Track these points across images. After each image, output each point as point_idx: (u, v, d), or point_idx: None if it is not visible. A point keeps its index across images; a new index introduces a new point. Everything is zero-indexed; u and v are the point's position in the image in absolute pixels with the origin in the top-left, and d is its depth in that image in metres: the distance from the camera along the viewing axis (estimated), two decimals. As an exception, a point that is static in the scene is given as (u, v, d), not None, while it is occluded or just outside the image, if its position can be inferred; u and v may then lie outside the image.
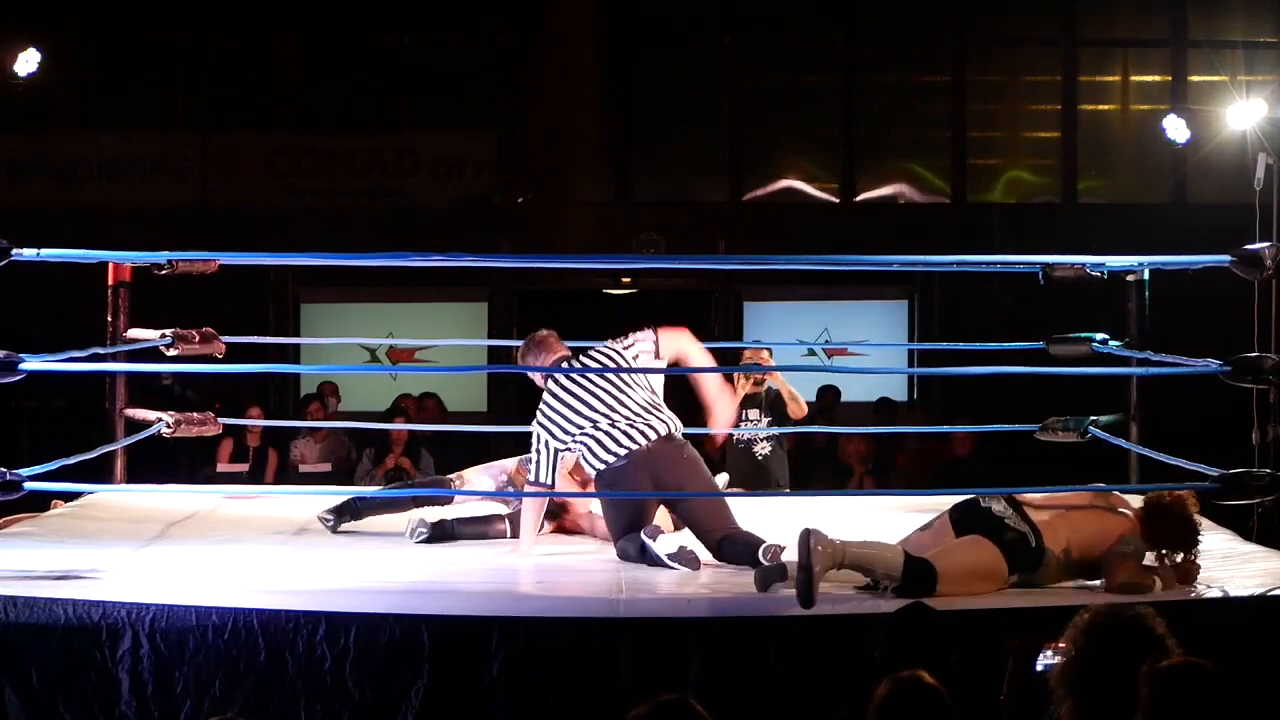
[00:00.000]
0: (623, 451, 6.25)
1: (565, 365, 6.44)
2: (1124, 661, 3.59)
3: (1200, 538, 5.67)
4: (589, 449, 6.30)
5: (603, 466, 6.29)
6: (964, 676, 4.28)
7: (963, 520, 5.62)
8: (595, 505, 6.87)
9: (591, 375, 6.36)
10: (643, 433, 6.28)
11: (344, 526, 6.81)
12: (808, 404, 9.72)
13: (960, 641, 4.66)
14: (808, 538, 5.25)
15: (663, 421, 6.33)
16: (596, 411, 6.31)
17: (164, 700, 5.15)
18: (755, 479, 9.27)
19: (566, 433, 6.32)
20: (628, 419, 6.30)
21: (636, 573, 5.97)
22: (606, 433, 6.28)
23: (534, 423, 6.40)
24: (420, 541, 6.57)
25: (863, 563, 5.37)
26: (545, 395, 6.42)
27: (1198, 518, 5.70)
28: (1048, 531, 5.54)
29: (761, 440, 9.41)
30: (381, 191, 15.06)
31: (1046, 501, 5.73)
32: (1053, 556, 5.52)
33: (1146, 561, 5.59)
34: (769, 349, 9.67)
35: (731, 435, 9.21)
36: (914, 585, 5.29)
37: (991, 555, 5.47)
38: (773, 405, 9.45)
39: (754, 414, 9.46)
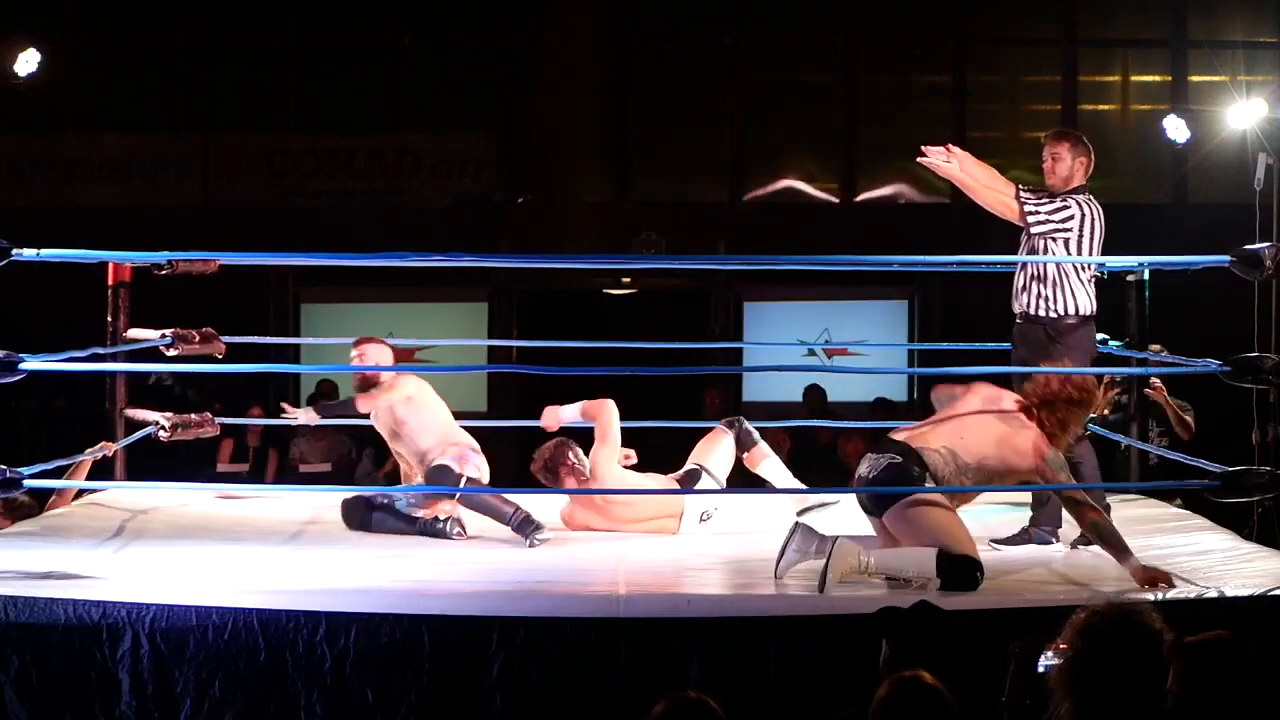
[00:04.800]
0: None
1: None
2: (1123, 659, 3.59)
3: (1090, 409, 5.98)
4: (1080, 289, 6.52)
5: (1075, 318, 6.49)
6: (968, 675, 4.28)
7: (873, 506, 5.83)
8: (596, 502, 6.93)
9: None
10: None
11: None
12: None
13: (961, 641, 4.66)
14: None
15: None
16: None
17: (164, 700, 5.16)
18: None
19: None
20: None
21: (637, 573, 5.97)
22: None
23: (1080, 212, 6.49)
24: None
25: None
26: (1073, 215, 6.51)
27: (1085, 394, 5.90)
28: (915, 440, 5.75)
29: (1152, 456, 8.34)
30: (381, 191, 15.05)
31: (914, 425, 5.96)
32: (934, 455, 5.71)
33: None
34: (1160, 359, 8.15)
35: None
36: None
37: (935, 502, 5.66)
38: (1163, 419, 8.67)
39: (1150, 424, 8.44)
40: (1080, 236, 6.48)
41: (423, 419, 7.16)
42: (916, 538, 5.61)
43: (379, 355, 7.33)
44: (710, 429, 7.54)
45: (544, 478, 7.14)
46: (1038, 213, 6.53)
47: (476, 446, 7.13)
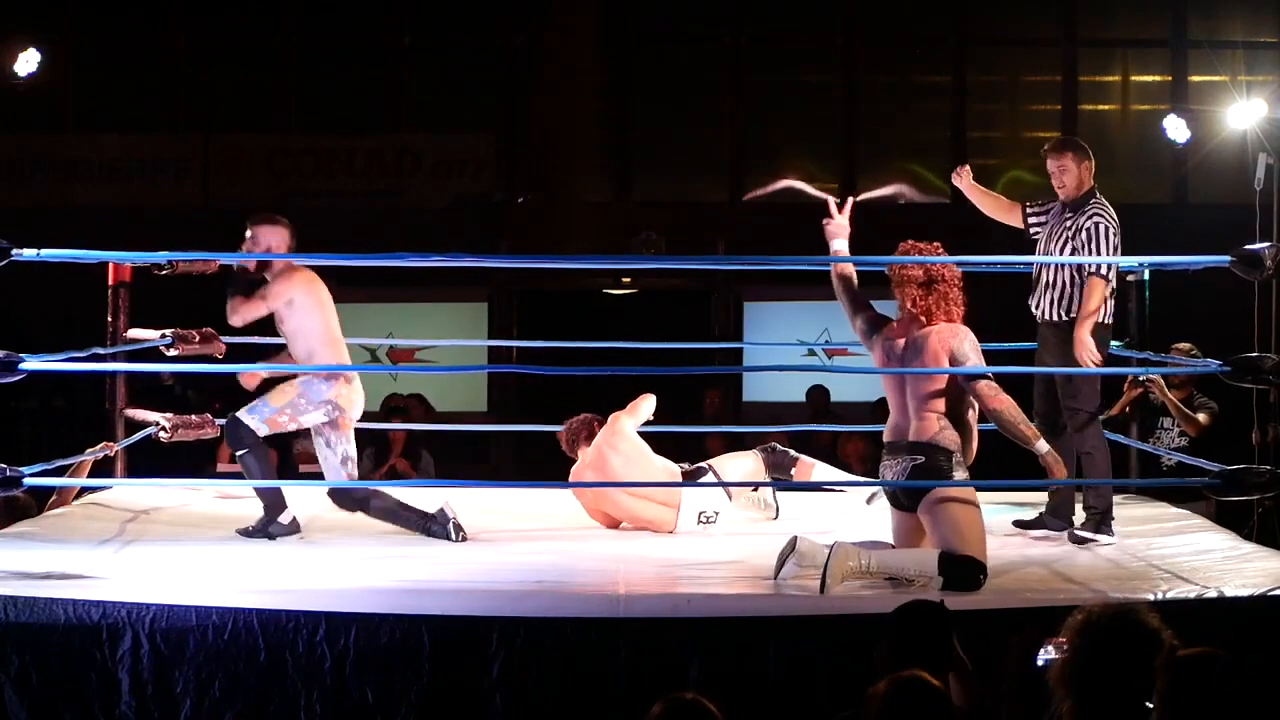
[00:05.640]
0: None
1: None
2: (1121, 658, 3.59)
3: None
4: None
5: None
6: (971, 673, 4.29)
7: (908, 502, 5.81)
8: (605, 495, 6.96)
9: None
10: None
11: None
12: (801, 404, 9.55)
13: (961, 640, 4.66)
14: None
15: None
16: None
17: (164, 700, 5.16)
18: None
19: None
20: None
21: (637, 573, 5.96)
22: None
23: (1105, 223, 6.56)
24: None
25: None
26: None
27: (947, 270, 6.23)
28: (921, 434, 5.80)
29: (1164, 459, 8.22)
30: (381, 191, 15.05)
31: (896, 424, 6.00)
32: (942, 434, 5.77)
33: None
34: (1180, 358, 8.06)
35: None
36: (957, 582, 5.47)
37: (963, 499, 5.67)
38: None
39: (1166, 422, 8.61)
40: (1101, 246, 6.52)
41: (299, 325, 6.85)
42: (937, 532, 5.66)
43: (272, 237, 6.99)
44: (712, 433, 7.58)
45: (565, 445, 7.33)
46: (1043, 229, 6.77)
47: (339, 374, 6.92)
